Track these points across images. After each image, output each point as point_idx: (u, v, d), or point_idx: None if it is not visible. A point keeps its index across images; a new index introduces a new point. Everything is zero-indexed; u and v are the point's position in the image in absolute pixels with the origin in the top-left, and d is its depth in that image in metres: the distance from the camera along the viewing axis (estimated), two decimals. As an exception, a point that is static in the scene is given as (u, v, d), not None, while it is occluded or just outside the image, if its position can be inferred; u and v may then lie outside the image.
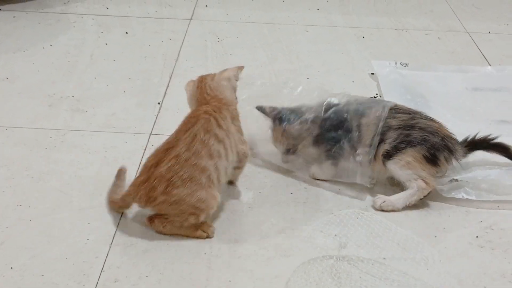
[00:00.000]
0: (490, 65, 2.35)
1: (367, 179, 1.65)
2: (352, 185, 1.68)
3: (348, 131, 1.62)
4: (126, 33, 2.52)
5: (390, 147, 1.60)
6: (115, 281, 1.37)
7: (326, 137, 1.65)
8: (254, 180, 1.70)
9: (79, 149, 1.80)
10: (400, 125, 1.61)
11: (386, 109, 1.62)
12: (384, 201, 1.60)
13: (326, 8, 2.86)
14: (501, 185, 1.65)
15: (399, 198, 1.60)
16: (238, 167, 1.60)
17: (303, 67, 2.32)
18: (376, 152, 1.61)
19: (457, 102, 2.10)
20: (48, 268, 1.39)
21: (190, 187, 1.42)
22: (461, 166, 1.65)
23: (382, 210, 1.60)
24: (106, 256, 1.43)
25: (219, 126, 1.50)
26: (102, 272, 1.39)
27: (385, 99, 2.06)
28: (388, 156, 1.60)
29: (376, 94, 2.13)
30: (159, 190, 1.42)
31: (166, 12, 2.74)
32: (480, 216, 1.60)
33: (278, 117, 1.69)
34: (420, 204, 1.62)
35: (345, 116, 1.64)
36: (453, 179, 1.65)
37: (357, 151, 1.62)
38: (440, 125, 1.65)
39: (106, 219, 1.53)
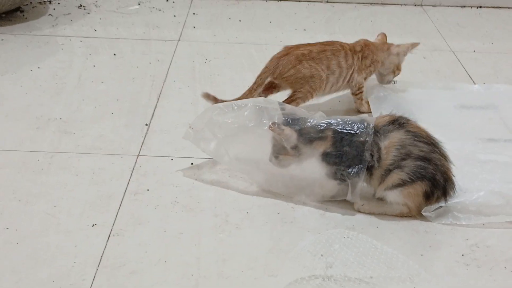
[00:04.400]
0: (475, 83, 2.38)
1: (358, 197, 1.66)
2: (339, 205, 1.69)
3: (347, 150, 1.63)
4: (114, 54, 2.54)
5: (406, 177, 1.60)
6: (102, 304, 1.37)
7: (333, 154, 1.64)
8: (242, 201, 1.71)
9: (67, 171, 1.80)
10: (420, 156, 1.60)
11: (371, 128, 1.63)
12: (363, 204, 1.66)
13: (312, 28, 2.89)
14: (489, 207, 1.66)
15: (378, 206, 1.65)
16: (354, 94, 2.13)
17: (290, 87, 2.33)
18: (385, 174, 1.62)
19: (445, 120, 2.12)
20: (35, 292, 1.39)
21: (310, 72, 1.97)
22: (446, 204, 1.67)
23: (359, 211, 1.66)
24: (93, 279, 1.43)
25: (346, 59, 2.03)
26: (89, 295, 1.39)
27: (374, 116, 2.07)
28: (402, 184, 1.61)
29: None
30: (292, 65, 1.95)
31: (154, 34, 2.76)
32: (466, 234, 1.61)
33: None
34: (406, 222, 1.64)
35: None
36: (440, 206, 1.66)
37: (350, 169, 1.62)
38: (449, 167, 1.65)
39: (93, 241, 1.54)
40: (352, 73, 2.07)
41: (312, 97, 2.03)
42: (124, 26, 2.82)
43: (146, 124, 2.05)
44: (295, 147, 1.65)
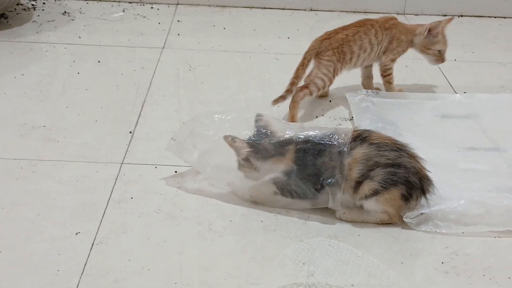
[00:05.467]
0: (456, 92, 2.41)
1: (339, 206, 1.68)
2: (321, 213, 1.70)
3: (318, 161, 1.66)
4: (99, 62, 2.54)
5: (378, 186, 1.63)
6: (86, 312, 1.37)
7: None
8: (225, 209, 1.72)
9: (51, 179, 1.80)
10: (388, 163, 1.63)
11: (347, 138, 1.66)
12: (344, 213, 1.68)
13: (296, 36, 2.92)
14: (469, 215, 1.68)
15: (358, 214, 1.68)
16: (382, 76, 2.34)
17: (274, 95, 2.34)
18: (357, 186, 1.64)
19: (427, 130, 2.15)
20: (18, 300, 1.39)
21: (349, 52, 2.21)
22: (428, 204, 1.69)
23: (341, 219, 1.68)
24: (77, 287, 1.43)
25: (376, 36, 2.23)
26: (73, 303, 1.39)
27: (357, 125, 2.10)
28: (375, 193, 1.63)
29: (352, 117, 2.18)
30: (332, 47, 2.19)
31: (139, 41, 2.77)
32: (446, 242, 1.63)
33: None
34: (387, 230, 1.66)
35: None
36: (421, 212, 1.68)
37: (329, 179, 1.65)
38: (421, 165, 1.67)
39: (77, 249, 1.54)
40: (381, 49, 2.28)
41: (330, 82, 2.25)
42: (109, 33, 2.83)
43: (130, 132, 2.06)
44: (247, 160, 1.68)
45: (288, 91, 2.16)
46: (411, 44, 2.31)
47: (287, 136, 1.69)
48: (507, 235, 1.66)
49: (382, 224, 1.68)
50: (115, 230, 1.61)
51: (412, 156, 1.67)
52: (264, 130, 1.70)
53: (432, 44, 2.28)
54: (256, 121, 1.73)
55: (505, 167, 1.92)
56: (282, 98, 2.16)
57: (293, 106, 2.16)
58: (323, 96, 2.35)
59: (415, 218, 1.67)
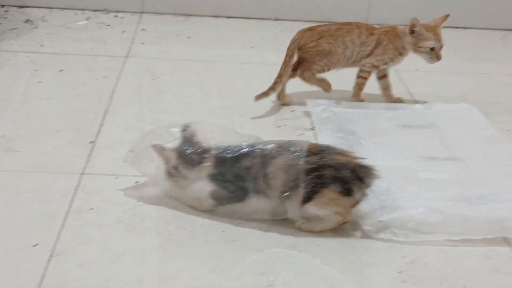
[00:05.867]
0: (417, 102, 2.45)
1: (298, 216, 1.69)
2: (281, 223, 1.71)
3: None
4: (61, 70, 2.52)
5: (307, 192, 1.64)
6: (42, 325, 1.36)
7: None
8: (186, 219, 1.72)
9: (9, 189, 1.78)
10: (312, 168, 1.64)
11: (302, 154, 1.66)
12: (303, 223, 1.69)
13: (260, 45, 2.93)
14: (426, 224, 1.71)
15: (316, 223, 1.68)
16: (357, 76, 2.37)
17: (237, 105, 2.36)
18: (293, 196, 1.65)
19: (387, 140, 2.17)
20: (-27, 314, 1.37)
21: (329, 47, 2.28)
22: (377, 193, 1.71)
23: (300, 230, 1.69)
24: (34, 300, 1.42)
25: (359, 36, 2.28)
26: (29, 316, 1.38)
27: (319, 137, 2.12)
28: (307, 199, 1.64)
29: (313, 127, 2.20)
30: (314, 38, 2.27)
31: (102, 49, 2.75)
32: (404, 251, 1.65)
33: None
34: (346, 240, 1.67)
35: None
36: (380, 220, 1.69)
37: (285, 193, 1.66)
38: (349, 157, 1.68)
39: (35, 261, 1.52)
40: (365, 52, 2.31)
41: (329, 69, 2.34)
42: (72, 41, 2.81)
43: (92, 142, 2.04)
44: (175, 168, 1.70)
45: (271, 89, 2.27)
46: (404, 50, 2.30)
47: (211, 144, 1.72)
48: (464, 243, 1.69)
49: (340, 225, 1.68)
50: (74, 242, 1.60)
51: (339, 153, 1.68)
52: (191, 139, 1.72)
53: (421, 41, 2.25)
54: (183, 130, 1.75)
55: (462, 176, 1.95)
56: (265, 95, 2.27)
57: (312, 83, 2.34)
58: (285, 105, 2.36)
59: (373, 226, 1.69)
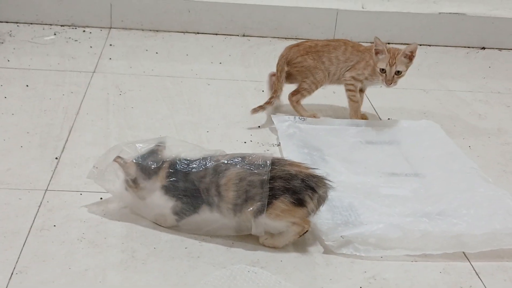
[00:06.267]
0: (380, 118, 2.49)
1: (262, 231, 1.71)
2: (246, 239, 1.73)
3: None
4: (27, 86, 2.52)
5: (258, 204, 1.65)
6: None
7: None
8: (150, 236, 1.73)
9: (-29, 206, 1.77)
10: (259, 180, 1.65)
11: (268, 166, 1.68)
12: (266, 238, 1.71)
13: (228, 61, 2.95)
14: (387, 239, 1.74)
15: (279, 238, 1.70)
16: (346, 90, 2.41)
17: (204, 120, 2.38)
18: (243, 209, 1.67)
19: (351, 155, 2.20)
20: None
21: (314, 63, 2.34)
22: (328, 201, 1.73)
23: (264, 245, 1.71)
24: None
25: (344, 53, 2.34)
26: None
27: (284, 152, 2.14)
28: (258, 212, 1.66)
29: (279, 143, 2.22)
30: (300, 54, 2.34)
31: (69, 65, 2.75)
32: (364, 267, 1.68)
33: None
34: (308, 256, 1.70)
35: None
36: (342, 236, 1.72)
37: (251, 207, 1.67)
38: (300, 167, 1.70)
39: (-4, 279, 1.52)
40: (347, 67, 2.36)
41: (316, 88, 2.39)
42: (39, 56, 2.81)
43: (56, 158, 2.04)
44: (134, 181, 1.72)
45: (268, 103, 2.35)
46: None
47: (171, 157, 1.74)
48: (423, 258, 1.72)
49: (301, 236, 1.70)
50: (35, 259, 1.60)
51: (290, 164, 1.70)
52: (155, 153, 1.75)
53: (378, 62, 2.27)
54: (156, 146, 1.77)
55: (423, 192, 1.98)
56: (262, 108, 2.35)
57: (296, 110, 2.39)
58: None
59: (336, 241, 1.71)
